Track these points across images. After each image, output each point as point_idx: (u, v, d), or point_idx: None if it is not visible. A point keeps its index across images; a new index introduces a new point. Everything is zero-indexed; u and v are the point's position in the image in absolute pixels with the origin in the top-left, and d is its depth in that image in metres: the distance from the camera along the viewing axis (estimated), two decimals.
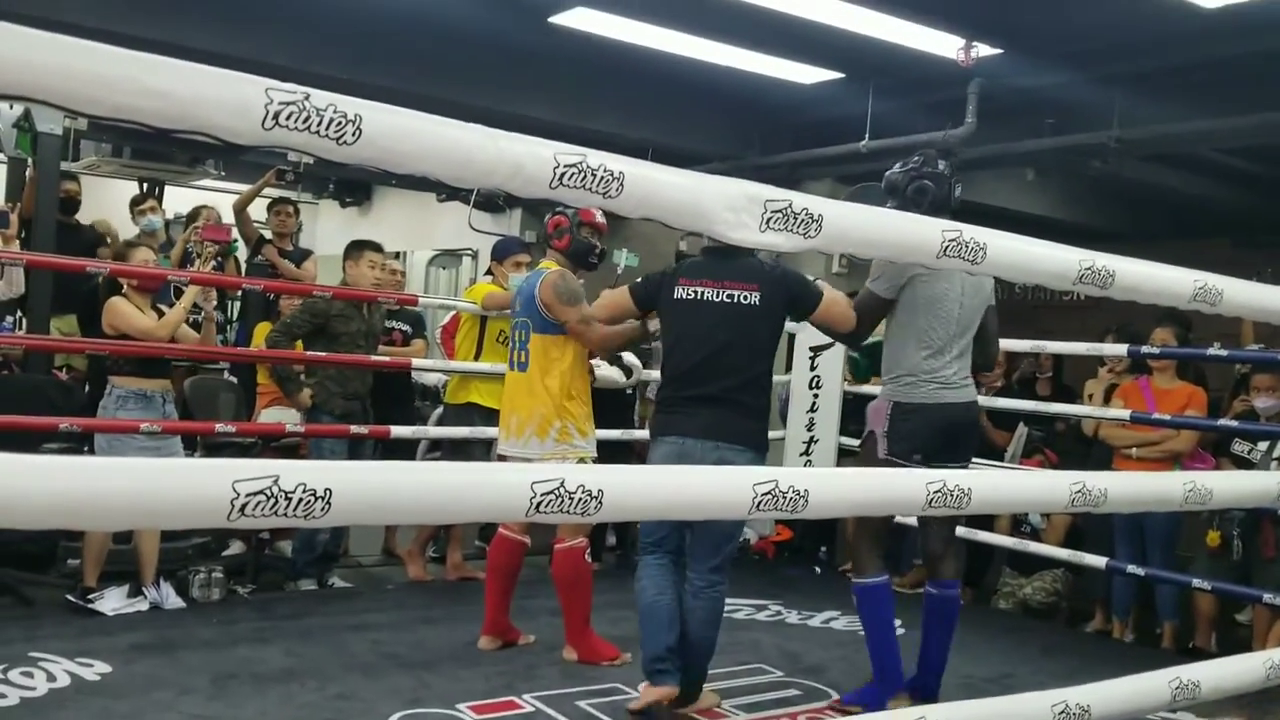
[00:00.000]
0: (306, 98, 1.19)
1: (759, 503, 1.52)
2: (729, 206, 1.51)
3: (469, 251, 10.52)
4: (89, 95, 1.08)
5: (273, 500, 1.17)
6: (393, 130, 1.27)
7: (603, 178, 1.41)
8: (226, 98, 1.16)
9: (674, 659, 3.84)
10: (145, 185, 8.86)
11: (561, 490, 1.39)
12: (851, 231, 1.65)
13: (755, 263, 3.87)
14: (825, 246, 1.60)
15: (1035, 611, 6.09)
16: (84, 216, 6.93)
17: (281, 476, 1.18)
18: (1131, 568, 5.17)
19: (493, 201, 9.45)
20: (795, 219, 1.55)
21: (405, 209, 11.53)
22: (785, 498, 1.54)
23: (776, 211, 1.53)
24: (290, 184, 8.10)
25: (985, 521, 6.11)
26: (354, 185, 11.66)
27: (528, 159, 1.36)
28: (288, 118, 1.18)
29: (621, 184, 1.42)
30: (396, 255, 10.29)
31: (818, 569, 6.86)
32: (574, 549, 4.46)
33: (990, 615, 6.04)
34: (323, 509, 1.21)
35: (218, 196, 8.58)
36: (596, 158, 1.41)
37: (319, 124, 1.20)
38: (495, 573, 4.65)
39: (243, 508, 1.16)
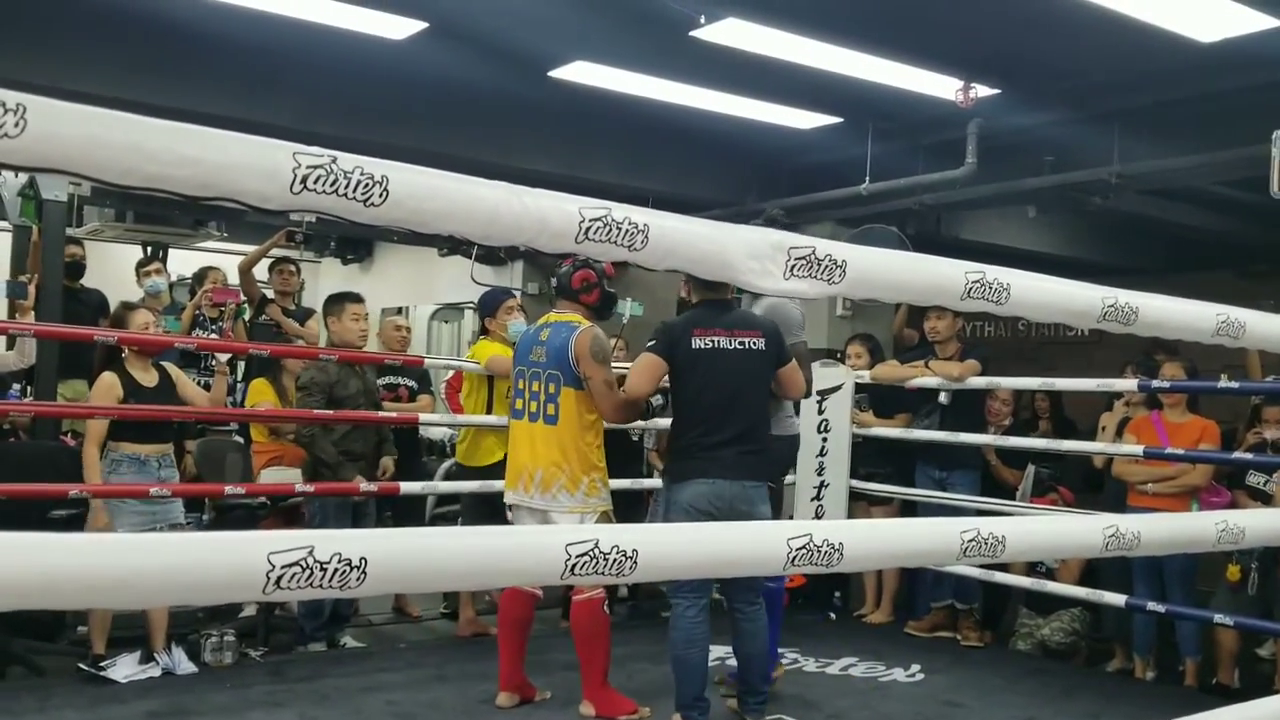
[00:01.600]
0: (334, 161, 1.19)
1: (794, 557, 1.50)
2: (753, 255, 1.50)
3: (471, 305, 10.53)
4: (122, 167, 1.07)
5: (308, 571, 1.15)
6: (419, 190, 1.26)
7: (628, 230, 1.40)
8: (255, 163, 1.15)
9: (704, 705, 4.17)
10: (149, 249, 8.89)
11: (596, 551, 1.36)
12: (875, 276, 1.64)
13: (751, 313, 4.35)
14: (849, 292, 1.59)
15: (1054, 652, 6.02)
16: (88, 281, 6.96)
17: (316, 547, 1.16)
18: (1152, 605, 5.11)
19: (494, 255, 9.49)
20: (819, 265, 1.54)
21: (407, 264, 11.57)
22: (820, 552, 1.51)
23: (800, 258, 1.53)
24: (299, 244, 8.13)
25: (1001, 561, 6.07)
26: (355, 242, 11.71)
27: (553, 214, 1.35)
28: (315, 181, 1.17)
29: (646, 236, 1.42)
30: (399, 311, 10.30)
31: (832, 615, 6.80)
32: (593, 599, 4.41)
33: (1009, 656, 5.98)
34: (358, 579, 1.19)
35: (222, 258, 8.60)
36: (621, 211, 1.41)
37: (346, 186, 1.19)
38: (509, 627, 4.58)
39: (278, 580, 1.14)
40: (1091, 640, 6.09)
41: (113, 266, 8.98)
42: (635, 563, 1.39)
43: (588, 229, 1.37)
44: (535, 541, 1.44)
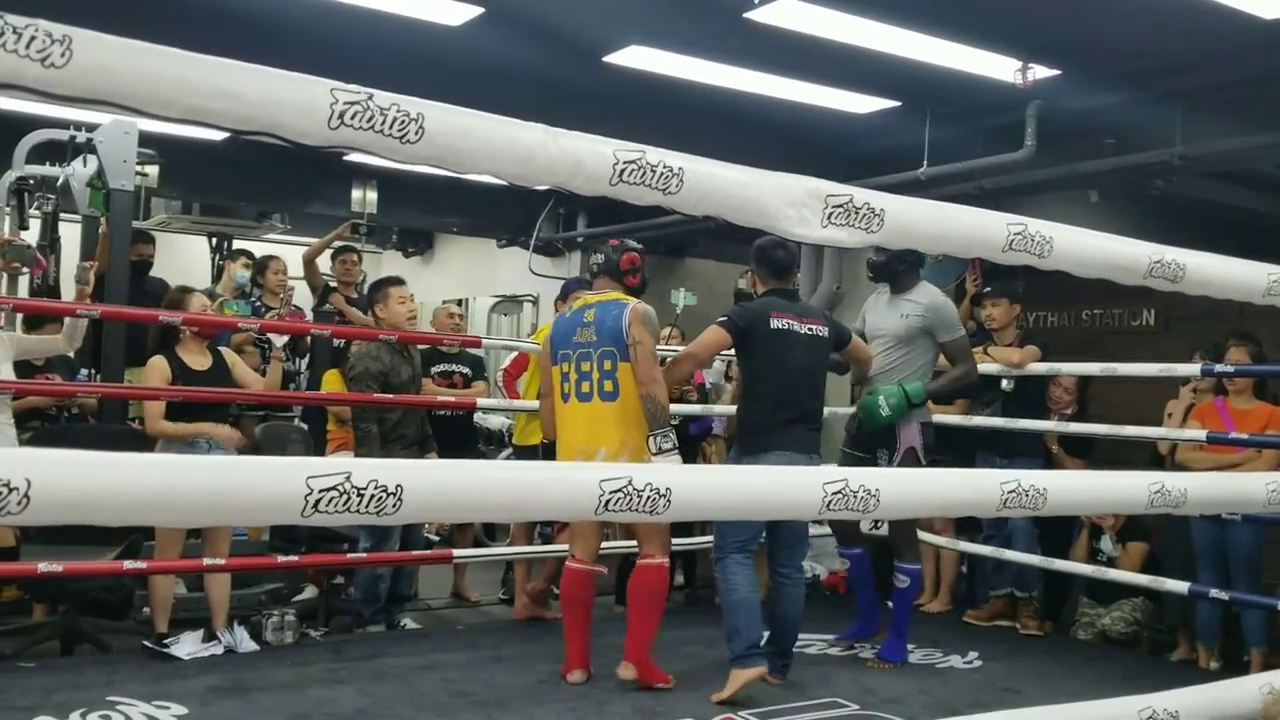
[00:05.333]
0: (370, 97, 1.22)
1: (829, 502, 1.50)
2: (790, 202, 1.50)
3: (530, 297, 10.62)
4: (165, 98, 1.11)
5: (345, 496, 1.18)
6: (454, 129, 1.29)
7: (662, 174, 1.42)
8: (294, 98, 1.18)
9: (761, 648, 4.42)
10: (214, 240, 9.09)
11: (630, 488, 1.37)
12: (914, 226, 1.64)
13: (810, 304, 4.85)
14: (888, 241, 1.59)
15: (1116, 642, 5.92)
16: (155, 271, 7.13)
17: (354, 473, 1.19)
18: (1215, 592, 5.01)
19: (552, 246, 9.55)
20: (857, 214, 1.54)
21: (466, 256, 11.69)
22: (856, 497, 1.51)
23: (838, 206, 1.53)
24: (364, 235, 8.25)
25: (1061, 551, 6.00)
26: (416, 235, 11.89)
27: (588, 156, 1.37)
28: (352, 117, 1.20)
29: (681, 180, 1.43)
30: (459, 302, 10.43)
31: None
32: (662, 565, 4.52)
33: (1069, 645, 5.89)
34: (394, 505, 1.22)
35: (284, 249, 8.78)
36: (655, 154, 1.42)
37: (382, 123, 1.22)
38: (576, 607, 4.62)
39: (316, 503, 1.17)
40: (1154, 630, 5.98)
41: (179, 258, 9.19)
42: (669, 501, 1.40)
43: (622, 171, 1.39)
44: (569, 477, 1.45)
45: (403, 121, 1.24)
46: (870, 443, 5.14)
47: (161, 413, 4.87)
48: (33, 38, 1.02)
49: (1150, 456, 6.10)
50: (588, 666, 4.61)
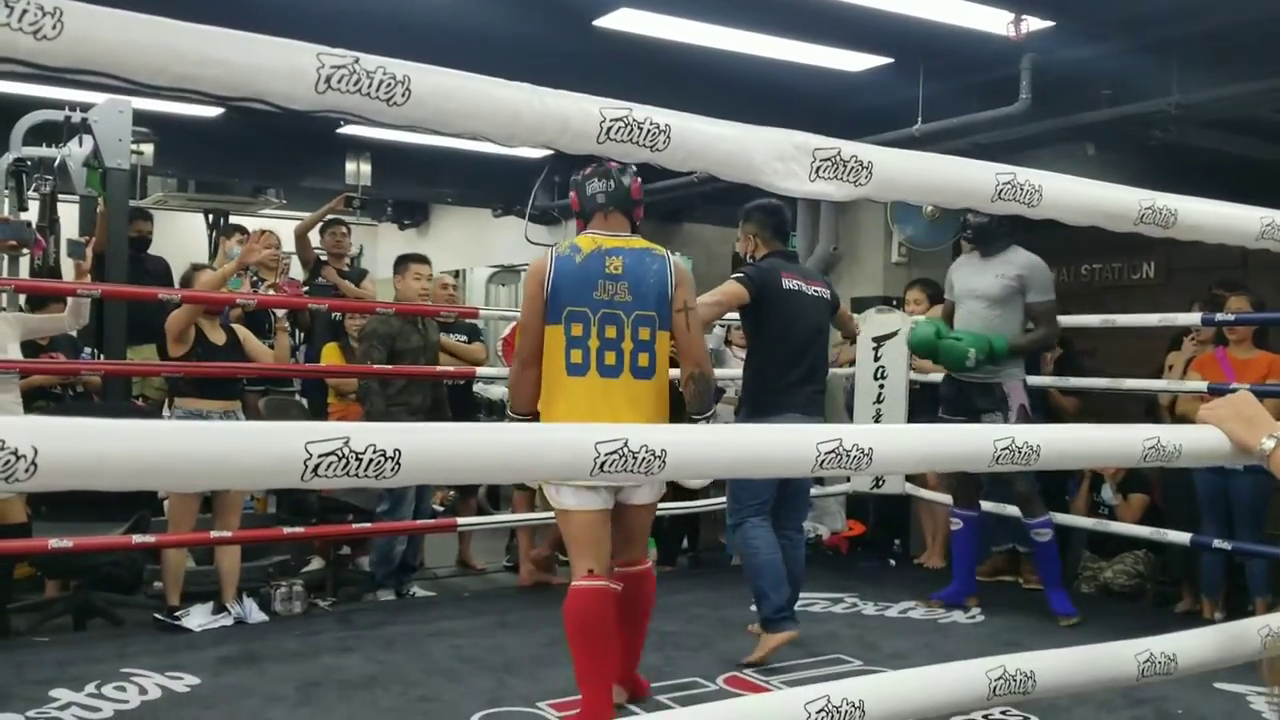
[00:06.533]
0: (356, 61, 1.23)
1: (822, 460, 1.51)
2: (777, 156, 1.51)
3: (527, 266, 10.60)
4: (154, 66, 1.13)
5: (344, 460, 1.20)
6: (441, 90, 1.30)
7: (649, 130, 1.43)
8: (280, 63, 1.19)
9: (791, 609, 4.42)
10: (211, 216, 9.10)
11: (625, 450, 1.39)
12: (902, 177, 1.64)
13: (808, 267, 4.98)
14: (876, 194, 1.60)
15: (1118, 594, 5.97)
16: (154, 249, 7.14)
17: (352, 438, 1.20)
18: (1218, 542, 5.04)
19: (548, 214, 9.53)
20: (845, 166, 1.55)
21: (462, 227, 11.67)
22: (849, 455, 1.53)
23: (825, 159, 1.53)
24: (357, 209, 8.23)
25: (1062, 504, 6.03)
26: (411, 206, 11.87)
27: (574, 114, 1.38)
28: (339, 81, 1.21)
29: (668, 136, 1.44)
30: (456, 274, 10.42)
31: (892, 561, 6.81)
32: (651, 570, 3.89)
33: (1072, 599, 5.91)
34: (393, 469, 1.23)
35: (280, 224, 8.77)
36: (642, 111, 1.43)
37: (369, 86, 1.23)
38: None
39: (315, 468, 1.19)
40: (1157, 582, 6.02)
41: (177, 236, 9.19)
42: (664, 462, 1.42)
43: (609, 129, 1.39)
44: (565, 438, 1.47)
45: (389, 84, 1.25)
46: (974, 405, 5.19)
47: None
48: (24, 10, 1.04)
49: (1148, 409, 6.14)
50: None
